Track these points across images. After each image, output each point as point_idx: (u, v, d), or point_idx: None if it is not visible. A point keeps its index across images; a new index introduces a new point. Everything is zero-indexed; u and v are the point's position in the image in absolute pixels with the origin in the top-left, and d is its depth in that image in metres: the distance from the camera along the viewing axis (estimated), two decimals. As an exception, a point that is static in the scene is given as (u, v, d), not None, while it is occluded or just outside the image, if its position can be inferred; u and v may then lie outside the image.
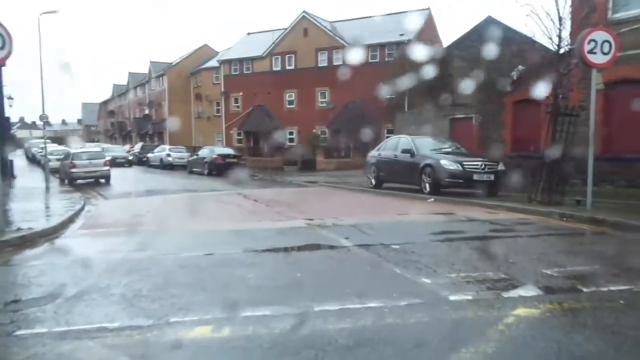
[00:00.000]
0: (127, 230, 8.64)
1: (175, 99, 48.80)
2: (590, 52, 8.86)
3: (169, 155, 32.04)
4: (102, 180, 20.47)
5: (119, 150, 37.88)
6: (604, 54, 8.92)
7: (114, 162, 30.85)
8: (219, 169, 25.73)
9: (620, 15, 12.05)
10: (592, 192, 8.86)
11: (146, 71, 56.69)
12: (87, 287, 4.71)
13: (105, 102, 76.63)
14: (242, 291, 4.52)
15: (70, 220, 9.56)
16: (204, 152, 28.18)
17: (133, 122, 60.22)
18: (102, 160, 21.23)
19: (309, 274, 5.21)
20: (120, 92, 68.08)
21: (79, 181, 19.84)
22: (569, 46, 10.42)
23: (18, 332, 3.58)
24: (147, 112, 56.77)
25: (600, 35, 8.97)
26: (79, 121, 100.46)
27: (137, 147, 40.19)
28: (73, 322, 3.76)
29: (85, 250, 6.93)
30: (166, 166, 31.17)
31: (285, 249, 6.45)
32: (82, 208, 11.51)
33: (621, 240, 7.00)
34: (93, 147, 31.91)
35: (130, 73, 63.21)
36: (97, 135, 79.07)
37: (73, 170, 19.96)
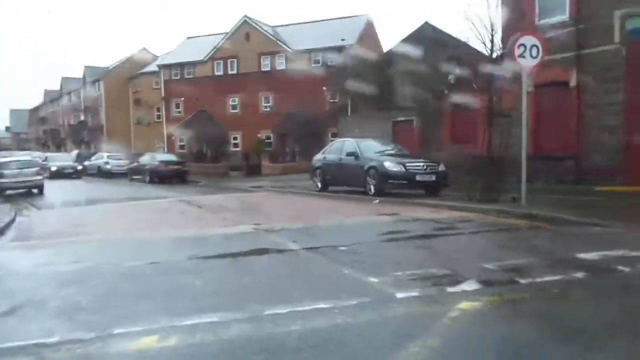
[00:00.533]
0: (64, 241, 8.23)
1: (113, 104, 47.11)
2: (521, 55, 9.33)
3: (107, 163, 30.91)
4: (35, 191, 19.40)
5: (65, 159, 33.82)
6: (533, 57, 9.42)
7: (61, 173, 28.49)
8: (161, 176, 25.09)
9: (546, 21, 12.79)
10: (526, 189, 9.31)
11: (80, 76, 54.36)
12: (20, 302, 4.44)
13: (36, 109, 72.68)
14: (188, 299, 4.41)
15: (1, 232, 9.01)
16: (145, 159, 27.38)
17: (67, 129, 57.54)
18: (34, 170, 20.08)
19: (257, 279, 5.17)
20: (52, 98, 64.79)
21: (9, 192, 18.71)
22: (501, 50, 10.95)
23: (-56, 354, 3.34)
24: (82, 118, 54.45)
25: (529, 39, 9.47)
26: (7, 129, 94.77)
27: (72, 155, 38.43)
28: (6, 339, 3.54)
29: (17, 263, 6.54)
30: (104, 174, 30.01)
31: (233, 255, 6.36)
32: (13, 220, 10.87)
33: (554, 234, 7.41)
34: (23, 156, 29.70)
35: (63, 78, 60.37)
36: (28, 144, 74.86)
37: (2, 180, 18.80)
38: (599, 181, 11.67)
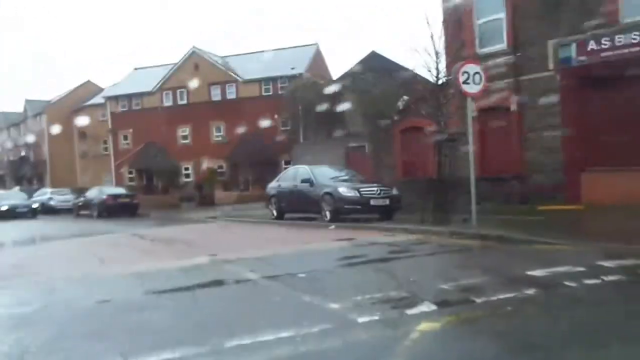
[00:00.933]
0: (5, 283, 7.76)
1: (57, 138, 45.44)
2: (465, 82, 9.80)
3: (50, 198, 29.65)
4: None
5: (17, 196, 29.67)
6: (476, 84, 9.91)
7: (13, 213, 25.54)
8: (109, 210, 24.30)
9: (486, 49, 13.51)
10: (476, 210, 9.65)
11: (21, 110, 52.31)
12: (-38, 350, 4.16)
13: (-27, 144, 69.10)
14: (146, 336, 4.26)
15: None
16: (93, 193, 26.48)
17: (7, 165, 54.90)
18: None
19: (217, 311, 5.07)
20: (-10, 133, 61.83)
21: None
22: (446, 77, 11.45)
23: None
24: (23, 153, 52.15)
25: (471, 67, 9.97)
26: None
27: (19, 193, 36.54)
28: (-53, 392, 3.30)
29: (-44, 309, 6.11)
30: (48, 211, 28.72)
31: (189, 288, 6.20)
32: (-51, 263, 10.18)
33: (504, 252, 7.68)
34: None
35: (1, 113, 57.82)
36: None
37: None
38: (543, 200, 12.26)
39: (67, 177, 42.92)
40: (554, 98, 12.72)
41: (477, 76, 9.91)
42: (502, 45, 13.80)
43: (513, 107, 13.53)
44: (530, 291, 4.90)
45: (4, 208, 26.13)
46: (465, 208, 10.09)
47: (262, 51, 37.94)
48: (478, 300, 4.68)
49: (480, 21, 14.26)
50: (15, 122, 53.89)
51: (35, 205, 27.83)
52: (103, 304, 5.60)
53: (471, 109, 10.32)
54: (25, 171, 50.45)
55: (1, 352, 4.04)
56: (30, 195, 32.36)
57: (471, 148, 9.96)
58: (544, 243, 7.70)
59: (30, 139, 49.89)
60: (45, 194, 31.09)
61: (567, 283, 5.14)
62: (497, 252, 7.74)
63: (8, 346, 4.19)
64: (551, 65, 12.84)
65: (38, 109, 48.65)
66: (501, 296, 4.75)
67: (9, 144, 55.58)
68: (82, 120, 43.23)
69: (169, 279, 6.95)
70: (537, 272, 5.65)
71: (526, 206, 12.44)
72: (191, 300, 5.69)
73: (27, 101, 51.02)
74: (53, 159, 47.08)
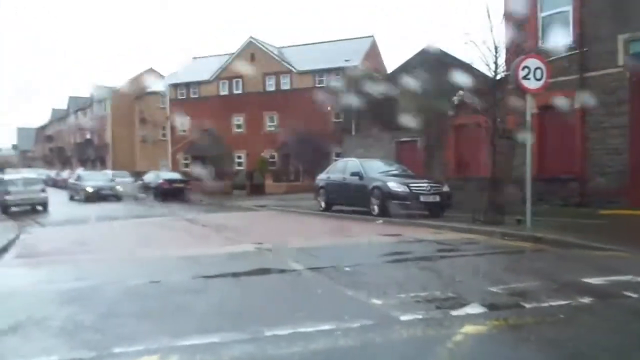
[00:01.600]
0: (67, 258, 8.22)
1: (119, 123, 47.51)
2: (525, 77, 9.38)
3: (112, 180, 30.91)
4: (40, 208, 19.46)
5: (101, 177, 28.05)
6: (537, 79, 9.46)
7: (98, 195, 24.29)
8: (165, 194, 25.15)
9: (550, 44, 12.88)
10: (531, 212, 9.27)
11: (88, 95, 54.98)
12: (22, 319, 4.41)
13: (43, 127, 73.43)
14: (190, 318, 4.38)
15: (4, 249, 9.01)
16: (150, 177, 27.48)
17: (74, 147, 57.97)
18: (39, 187, 20.20)
19: (259, 299, 5.13)
20: (59, 117, 65.47)
21: (14, 209, 18.78)
22: (505, 72, 11.01)
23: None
24: (88, 136, 54.86)
25: (533, 62, 9.53)
26: (14, 147, 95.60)
27: (108, 173, 38.51)
28: (5, 358, 3.51)
29: (20, 280, 6.52)
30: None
31: (235, 274, 6.33)
32: (17, 237, 10.89)
33: (559, 257, 7.34)
34: (28, 173, 29.48)
35: (70, 97, 61.06)
36: (34, 162, 75.39)
37: (7, 197, 18.89)
38: (604, 204, 11.61)
39: (127, 160, 44.79)
40: (622, 96, 11.98)
41: (538, 71, 9.46)
42: (567, 40, 13.11)
43: (577, 104, 12.85)
44: (586, 300, 4.64)
45: (90, 190, 24.70)
46: (520, 209, 9.71)
47: (318, 42, 38.00)
48: (528, 306, 4.49)
49: (545, 14, 13.59)
50: (82, 106, 56.67)
51: (119, 188, 26.23)
52: (153, 285, 5.80)
53: (530, 105, 9.88)
54: (89, 154, 53.06)
55: (57, 325, 4.26)
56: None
57: (529, 146, 9.55)
58: (603, 249, 7.28)
59: (95, 122, 52.43)
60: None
61: (626, 293, 4.84)
62: (551, 257, 7.40)
63: (63, 320, 4.42)
64: (620, 62, 12.08)
65: (103, 95, 50.91)
66: (553, 303, 4.53)
67: (76, 127, 58.68)
68: (143, 107, 45.01)
69: (216, 264, 7.11)
70: (594, 280, 5.35)
71: (586, 209, 11.83)
72: (235, 287, 5.80)
73: (94, 86, 53.50)
74: (115, 142, 49.25)
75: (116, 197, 25.38)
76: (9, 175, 26.76)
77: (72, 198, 26.43)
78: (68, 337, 3.92)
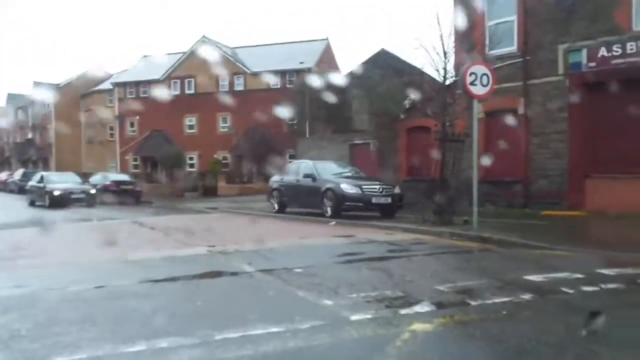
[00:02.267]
0: (4, 265, 7.80)
1: (63, 122, 45.58)
2: (472, 83, 9.69)
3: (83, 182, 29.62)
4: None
5: (70, 179, 23.79)
6: (484, 85, 9.80)
7: (66, 200, 20.85)
8: (112, 196, 24.32)
9: (495, 51, 13.38)
10: (477, 213, 9.58)
11: (28, 92, 52.51)
12: (-48, 330, 4.16)
13: (-20, 125, 69.53)
14: (137, 324, 4.25)
15: None
16: (96, 179, 26.54)
17: (13, 147, 55.18)
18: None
19: (209, 302, 5.04)
20: (-2, 115, 62.20)
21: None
22: (454, 77, 11.35)
23: None
24: (30, 136, 52.37)
25: (479, 68, 9.86)
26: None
27: (18, 174, 36.74)
28: None
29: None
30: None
31: (185, 278, 6.20)
32: (-51, 242, 10.23)
33: (504, 256, 7.62)
34: None
35: (9, 94, 58.11)
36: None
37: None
38: (546, 206, 12.17)
39: (73, 161, 43.05)
40: (561, 103, 12.60)
41: (484, 77, 9.81)
42: (512, 48, 13.67)
43: (520, 110, 13.41)
44: (527, 296, 4.84)
45: (56, 193, 21.30)
46: (467, 210, 10.02)
47: (272, 44, 37.91)
48: (473, 303, 4.63)
49: (491, 23, 14.12)
50: (22, 104, 54.08)
51: (93, 191, 22.66)
52: (97, 290, 5.59)
53: (477, 110, 10.22)
54: (31, 154, 50.67)
55: (-9, 333, 4.03)
56: (31, 178, 32.41)
57: (475, 149, 9.87)
58: (544, 248, 7.63)
59: (37, 121, 50.14)
60: (49, 178, 31.15)
61: (564, 289, 5.08)
62: (496, 255, 7.68)
63: (-1, 328, 4.18)
64: (561, 70, 12.71)
65: (46, 92, 48.75)
66: (497, 300, 4.70)
67: (15, 126, 55.88)
68: (88, 106, 43.45)
69: (165, 268, 6.94)
70: (535, 277, 5.59)
71: (529, 211, 12.35)
72: (184, 291, 5.67)
73: (35, 83, 51.13)
74: (59, 142, 47.28)
75: (88, 202, 21.54)
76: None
77: (32, 203, 22.71)
78: (4, 347, 3.72)
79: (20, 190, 32.67)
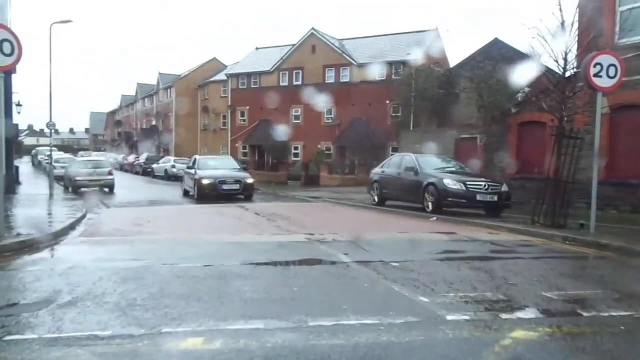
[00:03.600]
0: (127, 239, 8.63)
1: (182, 110, 49.11)
2: (596, 75, 8.85)
3: (173, 166, 32.07)
4: (106, 189, 20.51)
5: (226, 163, 19.84)
6: (610, 77, 8.90)
7: (217, 190, 16.62)
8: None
9: (626, 40, 12.06)
10: (596, 216, 8.78)
11: (154, 82, 57.21)
12: (81, 294, 4.68)
13: (113, 112, 77.35)
14: (237, 303, 4.46)
15: (71, 227, 9.55)
16: (209, 164, 28.19)
17: (140, 132, 60.61)
18: (107, 169, 21.30)
19: (305, 289, 5.15)
20: (128, 103, 68.71)
21: (83, 189, 19.89)
22: (575, 69, 10.43)
23: (7, 337, 3.55)
24: (154, 122, 57.14)
25: (606, 58, 8.97)
26: (87, 130, 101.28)
27: (143, 157, 40.36)
28: (64, 329, 3.72)
29: (83, 257, 6.89)
30: (170, 177, 31.20)
31: (284, 263, 6.40)
32: (84, 216, 11.51)
33: (624, 266, 6.90)
34: (99, 156, 30.57)
35: (138, 84, 63.82)
36: (104, 145, 79.57)
37: (77, 178, 20.03)
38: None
39: (189, 147, 46.23)
40: None
41: (611, 69, 8.90)
42: (646, 36, 12.23)
43: (653, 105, 11.98)
44: (650, 313, 4.35)
45: (205, 182, 17.03)
46: (584, 213, 9.21)
47: (379, 35, 37.57)
48: (585, 314, 4.26)
49: (623, 8, 12.74)
50: (149, 93, 59.10)
51: (249, 181, 17.90)
52: (204, 268, 5.96)
53: (601, 105, 9.32)
54: (154, 139, 55.27)
55: (112, 301, 4.47)
56: (154, 162, 35.32)
57: (597, 147, 9.02)
58: (674, 261, 6.79)
59: (160, 109, 54.52)
60: (169, 162, 33.81)
61: (697, 309, 4.49)
62: (615, 264, 6.97)
63: (118, 296, 4.63)
64: None
65: (169, 82, 52.81)
66: (613, 313, 4.27)
67: (142, 113, 61.30)
68: (205, 95, 46.35)
69: (266, 252, 7.22)
70: (662, 293, 5.00)
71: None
72: (283, 275, 5.86)
73: (160, 74, 55.58)
74: (178, 129, 51.00)
75: (244, 194, 17.57)
76: (80, 157, 28.42)
77: (186, 194, 19.11)
78: (121, 314, 4.11)
79: (144, 172, 36.04)
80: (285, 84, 38.31)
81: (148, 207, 15.65)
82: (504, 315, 4.14)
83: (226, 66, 47.59)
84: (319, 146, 35.11)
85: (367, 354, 3.29)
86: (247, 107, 40.26)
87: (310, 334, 3.63)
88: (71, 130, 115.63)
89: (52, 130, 21.96)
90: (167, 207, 15.75)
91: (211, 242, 8.18)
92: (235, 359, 3.22)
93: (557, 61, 10.48)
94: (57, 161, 24.27)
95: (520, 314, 4.18)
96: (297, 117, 37.78)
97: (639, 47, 12.04)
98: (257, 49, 44.26)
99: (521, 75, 13.84)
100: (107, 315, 4.06)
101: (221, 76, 44.86)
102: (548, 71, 11.73)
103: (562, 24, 10.23)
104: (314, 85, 36.26)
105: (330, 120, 35.81)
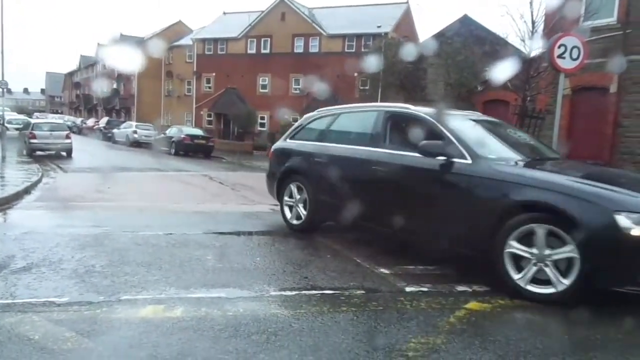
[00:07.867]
0: (85, 205, 8.39)
1: (146, 75, 47.60)
2: (560, 56, 9.00)
3: (135, 132, 31.22)
4: (64, 154, 19.81)
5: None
6: (573, 59, 9.06)
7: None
8: (186, 149, 25.37)
9: (590, 23, 12.32)
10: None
11: (116, 44, 55.04)
12: (37, 260, 4.54)
13: (71, 74, 74.12)
14: (198, 272, 4.43)
15: (26, 191, 9.23)
16: (172, 131, 27.67)
17: (100, 96, 58.55)
18: (65, 133, 20.51)
19: (268, 259, 5.15)
20: (87, 64, 65.93)
21: (39, 153, 19.15)
22: (540, 50, 10.63)
23: (-43, 303, 3.42)
24: (115, 86, 55.27)
25: (570, 40, 9.11)
26: (43, 91, 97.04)
27: (103, 121, 39.13)
28: (18, 295, 3.62)
29: (38, 223, 6.67)
30: (132, 143, 30.41)
31: (247, 233, 6.37)
32: (40, 180, 11.12)
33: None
34: (56, 119, 29.41)
35: (99, 45, 61.26)
36: (62, 107, 76.62)
37: (33, 140, 19.25)
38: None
39: (152, 113, 45.03)
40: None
41: (575, 50, 9.06)
42: (611, 19, 12.50)
43: (613, 89, 12.37)
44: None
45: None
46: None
47: (350, 6, 37.16)
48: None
49: (590, -10, 12.96)
50: (109, 55, 56.85)
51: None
52: (166, 237, 5.87)
53: (563, 86, 9.53)
54: (115, 104, 53.56)
55: (69, 268, 4.36)
56: (115, 127, 34.31)
57: (556, 128, 9.25)
58: None
59: (122, 72, 52.67)
60: (130, 127, 32.89)
61: None
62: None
63: (76, 263, 4.52)
64: (665, 46, 11.53)
65: (132, 45, 50.91)
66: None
67: (103, 76, 59.07)
68: (169, 60, 45.00)
69: (230, 222, 7.17)
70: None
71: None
72: (246, 245, 5.84)
73: (122, 36, 53.49)
74: (141, 94, 49.52)
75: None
76: (36, 119, 27.26)
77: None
78: (79, 281, 4.02)
79: (104, 137, 34.97)
80: (253, 52, 37.55)
81: (108, 173, 15.24)
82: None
83: (192, 30, 46.16)
84: (285, 116, 34.84)
85: (328, 323, 3.33)
86: (213, 74, 39.37)
87: (272, 302, 3.65)
88: (25, 91, 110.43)
89: (4, 90, 20.88)
90: (128, 173, 15.37)
91: (174, 211, 8.09)
92: (197, 326, 3.20)
93: (523, 41, 10.66)
94: (9, 122, 23.22)
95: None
96: (264, 87, 37.24)
97: (602, 31, 12.34)
98: (224, 13, 43.09)
99: (488, 54, 14.02)
100: (64, 282, 3.96)
101: (187, 41, 43.53)
102: (514, 50, 11.93)
103: (531, 3, 10.37)
104: (282, 54, 35.73)
105: (297, 91, 35.48)
